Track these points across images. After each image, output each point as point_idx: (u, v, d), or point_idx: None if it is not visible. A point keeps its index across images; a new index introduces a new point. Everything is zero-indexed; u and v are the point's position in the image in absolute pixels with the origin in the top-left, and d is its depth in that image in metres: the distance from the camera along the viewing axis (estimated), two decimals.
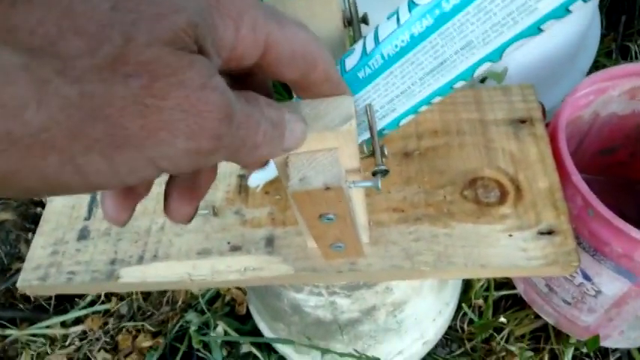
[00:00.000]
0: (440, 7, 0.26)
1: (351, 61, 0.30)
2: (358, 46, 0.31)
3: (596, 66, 0.79)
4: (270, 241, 0.41)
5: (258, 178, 0.42)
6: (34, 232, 0.69)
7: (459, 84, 0.30)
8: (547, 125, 0.44)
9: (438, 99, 0.32)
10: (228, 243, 0.41)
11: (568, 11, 0.25)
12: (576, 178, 0.41)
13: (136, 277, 0.41)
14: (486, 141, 0.43)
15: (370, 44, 0.29)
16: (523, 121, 0.44)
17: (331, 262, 0.39)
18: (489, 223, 0.39)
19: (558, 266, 0.37)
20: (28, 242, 0.80)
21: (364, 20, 0.36)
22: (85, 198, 0.46)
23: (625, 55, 0.86)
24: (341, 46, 0.37)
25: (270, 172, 0.41)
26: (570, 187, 0.42)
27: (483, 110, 0.45)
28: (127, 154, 0.17)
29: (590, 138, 0.61)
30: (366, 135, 0.32)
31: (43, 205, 0.83)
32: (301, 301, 0.49)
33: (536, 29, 0.26)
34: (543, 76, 0.68)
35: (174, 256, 0.41)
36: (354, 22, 0.36)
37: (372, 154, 0.29)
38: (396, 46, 0.28)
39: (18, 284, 0.43)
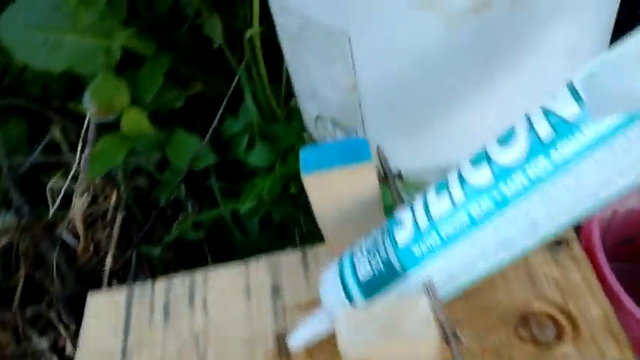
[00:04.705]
0: (499, 190, 0.25)
1: (402, 237, 0.29)
2: (407, 219, 0.30)
3: None
4: None
5: (300, 338, 0.39)
6: None
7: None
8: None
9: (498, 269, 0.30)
10: None
11: None
12: (629, 302, 0.39)
13: None
14: (528, 269, 0.42)
15: (423, 221, 0.28)
16: (559, 243, 0.43)
17: None
18: None
19: None
20: None
21: (399, 176, 0.36)
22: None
23: None
24: (376, 203, 0.37)
25: (313, 331, 0.39)
26: (622, 310, 0.41)
27: None
28: None
29: (611, 233, 0.61)
30: None
31: None
32: None
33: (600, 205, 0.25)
34: None
35: None
36: (389, 178, 0.36)
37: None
38: (455, 227, 0.27)
39: None
